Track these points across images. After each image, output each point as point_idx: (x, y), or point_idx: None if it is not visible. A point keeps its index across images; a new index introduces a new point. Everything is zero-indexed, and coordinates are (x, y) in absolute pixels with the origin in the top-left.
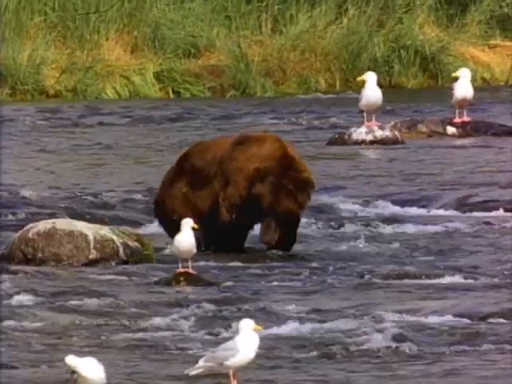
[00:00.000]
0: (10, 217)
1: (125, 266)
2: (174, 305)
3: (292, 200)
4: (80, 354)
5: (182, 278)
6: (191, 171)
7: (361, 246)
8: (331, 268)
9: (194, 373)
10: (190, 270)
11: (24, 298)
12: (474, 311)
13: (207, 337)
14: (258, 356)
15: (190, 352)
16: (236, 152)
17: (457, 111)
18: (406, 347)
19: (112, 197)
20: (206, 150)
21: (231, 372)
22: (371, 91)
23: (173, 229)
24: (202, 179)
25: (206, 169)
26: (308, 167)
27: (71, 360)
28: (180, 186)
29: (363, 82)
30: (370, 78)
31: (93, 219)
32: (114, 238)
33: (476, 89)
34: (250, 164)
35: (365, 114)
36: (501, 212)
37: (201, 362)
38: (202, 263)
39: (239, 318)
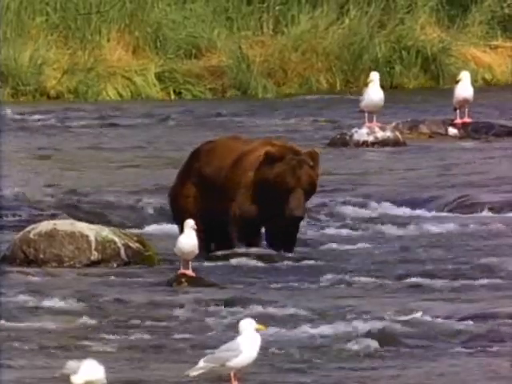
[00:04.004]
0: (11, 218)
1: (126, 267)
2: (175, 306)
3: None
4: (80, 354)
5: (183, 279)
6: (199, 171)
7: (362, 246)
8: (332, 268)
9: (195, 373)
10: (190, 272)
11: (25, 299)
12: (474, 312)
13: (208, 337)
14: (259, 356)
15: (191, 353)
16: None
17: (458, 112)
18: (406, 347)
19: (113, 198)
20: (214, 151)
21: (232, 373)
22: (374, 92)
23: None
24: (209, 180)
25: (213, 171)
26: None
27: (72, 364)
28: (189, 185)
29: (368, 83)
30: (375, 78)
31: (94, 220)
32: (116, 239)
33: (477, 89)
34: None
35: (366, 115)
36: (502, 213)
37: (201, 363)
38: (203, 264)
39: (240, 319)
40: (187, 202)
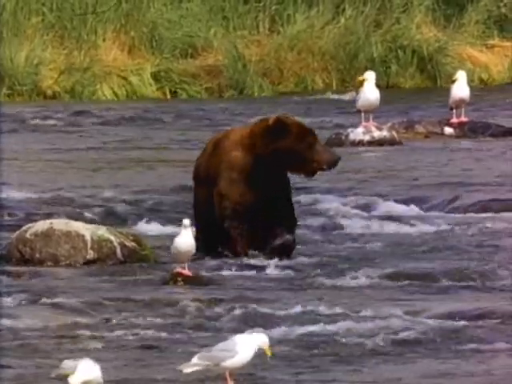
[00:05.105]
0: (8, 217)
1: (122, 266)
2: (171, 305)
3: None
4: (77, 354)
5: (179, 278)
6: (197, 166)
7: (359, 246)
8: (330, 268)
9: (188, 370)
10: (186, 271)
11: (21, 298)
12: (473, 311)
13: (204, 336)
14: (257, 356)
15: (187, 352)
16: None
17: (454, 112)
18: (406, 347)
19: (109, 197)
20: (207, 146)
21: (227, 373)
22: (370, 91)
23: None
24: (200, 174)
25: (200, 163)
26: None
27: (68, 363)
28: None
29: (362, 82)
30: (370, 77)
31: (90, 219)
32: (112, 238)
33: (474, 89)
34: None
35: (362, 115)
36: (498, 213)
37: (195, 360)
38: (200, 263)
39: (237, 318)
40: (194, 198)
